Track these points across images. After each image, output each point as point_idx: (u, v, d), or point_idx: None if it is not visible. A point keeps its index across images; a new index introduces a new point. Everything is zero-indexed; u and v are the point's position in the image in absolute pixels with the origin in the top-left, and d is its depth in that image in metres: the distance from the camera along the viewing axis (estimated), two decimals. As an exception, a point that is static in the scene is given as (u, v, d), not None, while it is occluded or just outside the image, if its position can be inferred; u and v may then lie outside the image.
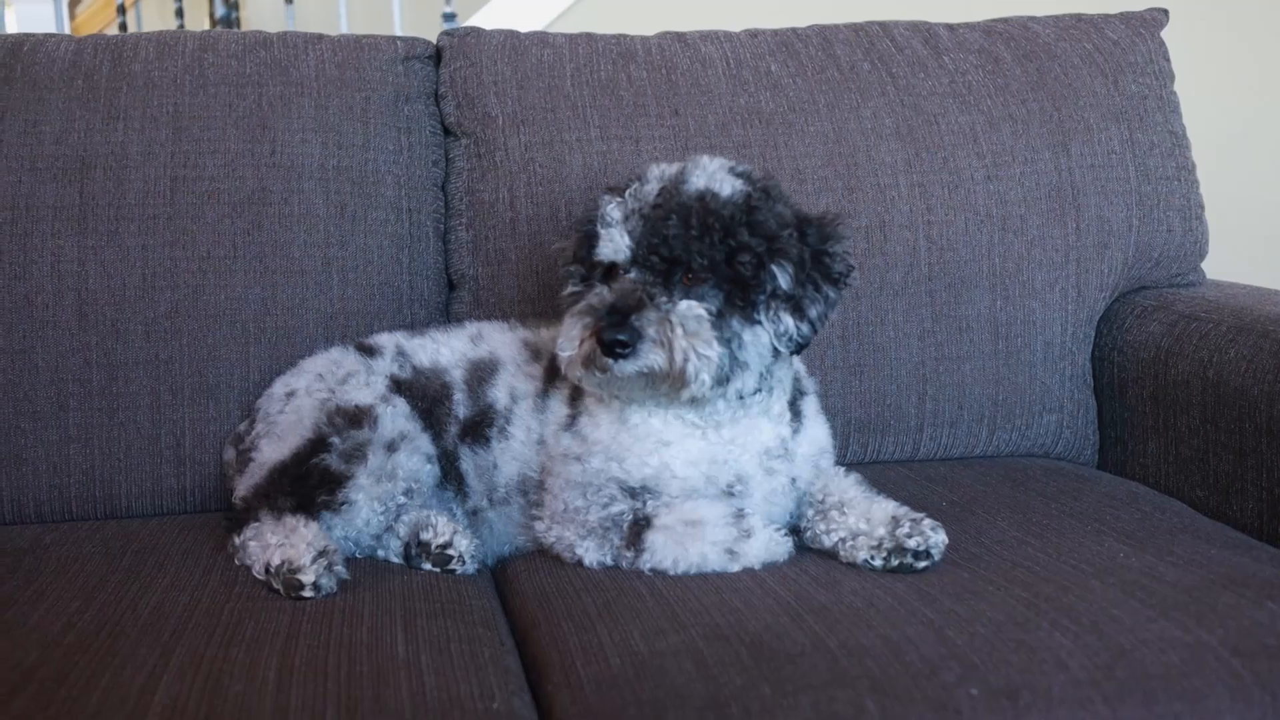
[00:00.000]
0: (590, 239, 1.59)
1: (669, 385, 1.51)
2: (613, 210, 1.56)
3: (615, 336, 1.47)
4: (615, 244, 1.54)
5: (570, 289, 1.61)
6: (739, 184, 1.58)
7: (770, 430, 1.63)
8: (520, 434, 1.72)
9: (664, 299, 1.50)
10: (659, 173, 1.59)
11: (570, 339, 1.53)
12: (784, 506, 1.66)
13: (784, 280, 1.54)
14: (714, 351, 1.50)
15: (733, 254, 1.52)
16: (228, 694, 1.25)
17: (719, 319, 1.51)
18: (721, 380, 1.51)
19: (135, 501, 1.91)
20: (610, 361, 1.49)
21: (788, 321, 1.55)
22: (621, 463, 1.61)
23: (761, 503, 1.63)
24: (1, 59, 1.98)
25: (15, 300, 1.87)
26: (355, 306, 1.98)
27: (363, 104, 2.04)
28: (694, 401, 1.55)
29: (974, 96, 2.12)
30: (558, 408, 1.70)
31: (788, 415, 1.66)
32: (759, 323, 1.54)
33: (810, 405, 1.71)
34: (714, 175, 1.58)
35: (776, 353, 1.58)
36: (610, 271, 1.57)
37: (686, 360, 1.48)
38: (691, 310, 1.50)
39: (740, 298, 1.53)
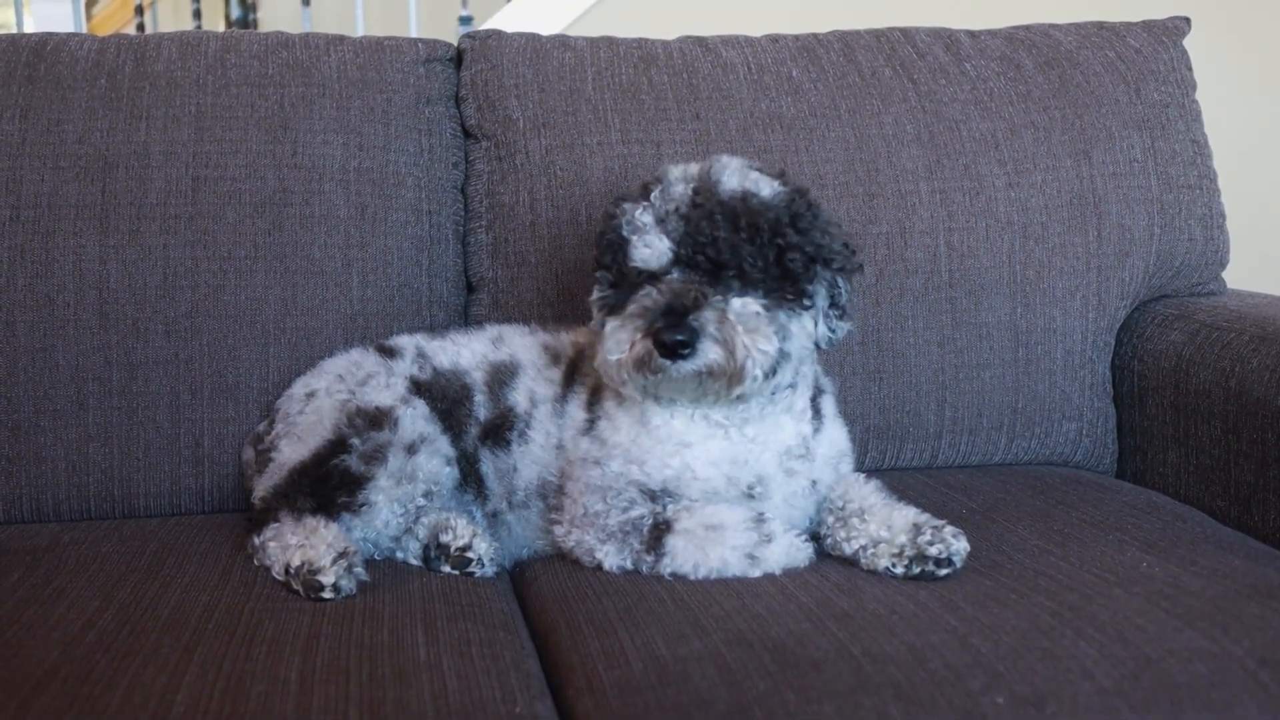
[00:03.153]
0: (615, 246, 1.56)
1: (723, 383, 1.51)
2: (642, 216, 1.54)
3: (675, 337, 1.46)
4: (654, 249, 1.52)
5: (599, 293, 1.60)
6: (775, 184, 1.58)
7: (792, 428, 1.63)
8: (539, 438, 1.72)
9: (718, 297, 1.50)
10: (682, 173, 1.58)
11: (619, 342, 1.51)
12: (804, 510, 1.65)
13: (827, 276, 1.56)
14: (772, 347, 1.50)
15: (781, 253, 1.52)
16: (250, 694, 1.25)
17: (769, 313, 1.51)
18: (770, 374, 1.51)
19: (154, 501, 1.92)
20: (667, 363, 1.47)
21: (832, 318, 1.58)
22: (642, 465, 1.61)
23: (782, 505, 1.62)
24: (25, 58, 1.98)
25: (37, 298, 1.88)
26: (375, 308, 1.98)
27: (384, 105, 2.04)
28: (740, 398, 1.54)
29: (995, 103, 2.12)
30: (575, 412, 1.69)
31: (809, 413, 1.66)
32: (802, 316, 1.55)
33: (829, 405, 1.71)
34: (747, 175, 1.57)
35: (815, 346, 1.60)
36: (646, 276, 1.54)
37: (747, 357, 1.48)
38: (748, 307, 1.49)
39: (790, 292, 1.53)
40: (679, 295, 1.49)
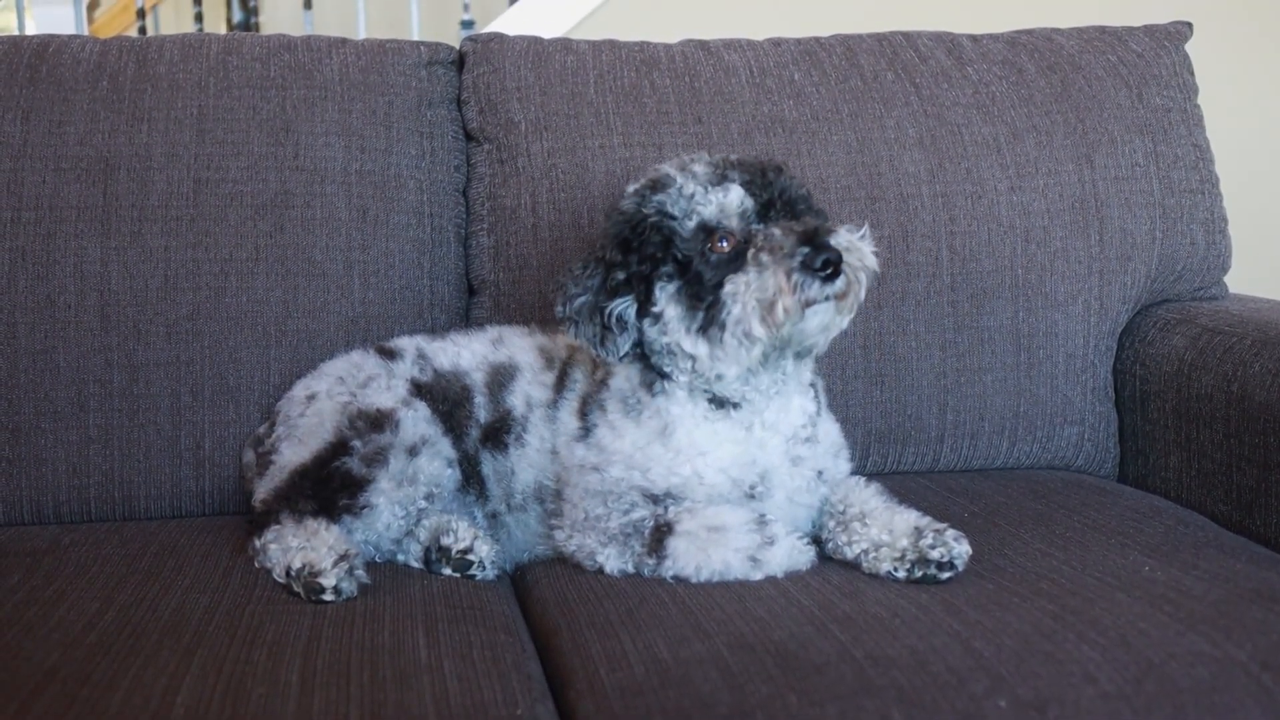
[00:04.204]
0: (664, 232, 1.53)
1: (844, 307, 1.51)
2: (689, 186, 1.54)
3: (826, 256, 1.45)
4: (730, 197, 1.51)
5: (671, 288, 1.53)
6: None
7: (799, 405, 1.63)
8: (535, 442, 1.71)
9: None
10: (682, 159, 1.60)
11: (778, 282, 1.46)
12: (808, 507, 1.64)
13: None
14: (876, 262, 1.52)
15: (808, 193, 1.59)
16: (250, 696, 1.24)
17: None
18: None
19: (154, 503, 1.91)
20: (827, 288, 1.46)
21: None
22: (645, 472, 1.60)
23: (785, 504, 1.62)
24: (26, 60, 1.99)
25: (38, 300, 1.88)
26: (376, 310, 1.98)
27: (385, 108, 2.04)
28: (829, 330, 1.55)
29: (998, 107, 2.12)
30: (567, 419, 1.68)
31: (811, 391, 1.66)
32: None
33: (822, 393, 1.72)
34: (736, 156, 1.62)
35: None
36: (706, 231, 1.52)
37: (864, 275, 1.50)
38: (851, 228, 1.52)
39: None
40: (804, 224, 1.49)
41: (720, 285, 1.51)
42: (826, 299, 1.47)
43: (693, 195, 1.53)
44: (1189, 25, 2.27)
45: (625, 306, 1.56)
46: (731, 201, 1.52)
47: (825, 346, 1.59)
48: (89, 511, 1.90)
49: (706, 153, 1.62)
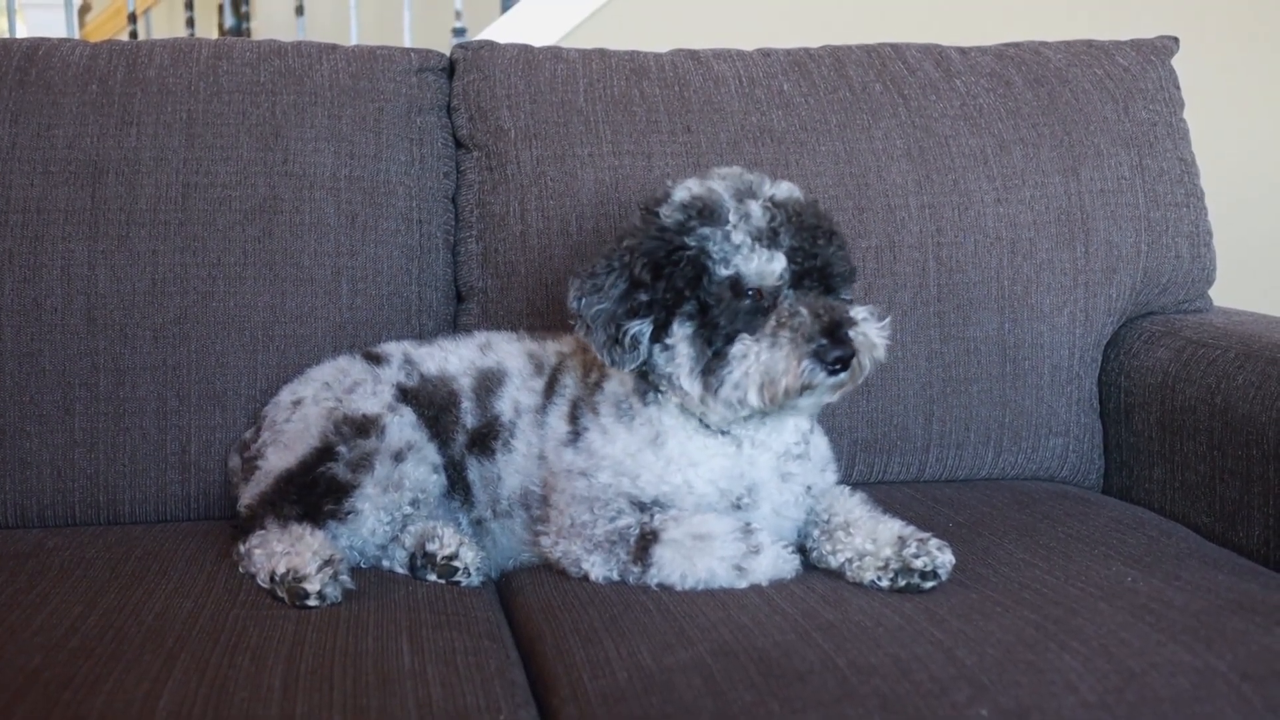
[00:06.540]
0: (696, 270, 1.52)
1: (842, 390, 1.54)
2: (736, 236, 1.51)
3: (844, 354, 1.48)
4: (774, 266, 1.50)
5: (689, 327, 1.52)
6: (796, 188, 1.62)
7: (793, 426, 1.64)
8: (523, 448, 1.71)
9: (853, 310, 1.53)
10: (732, 188, 1.56)
11: (780, 366, 1.48)
12: (795, 520, 1.65)
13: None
14: (885, 350, 1.54)
15: (847, 257, 1.59)
16: (233, 701, 1.24)
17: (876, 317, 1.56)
18: None
19: (139, 507, 1.91)
20: (829, 379, 1.49)
21: None
22: (635, 479, 1.60)
23: (770, 516, 1.62)
24: (16, 63, 1.98)
25: (24, 303, 1.87)
26: (364, 316, 1.98)
27: (375, 114, 2.04)
28: (819, 405, 1.58)
29: (985, 119, 2.13)
30: (557, 424, 1.69)
31: None
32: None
33: None
34: (779, 184, 1.59)
35: None
36: (736, 287, 1.51)
37: (872, 361, 1.53)
38: (867, 314, 1.53)
39: (850, 291, 1.61)
40: (831, 312, 1.49)
41: (732, 340, 1.51)
42: (834, 383, 1.50)
43: (739, 247, 1.51)
44: (1175, 40, 2.29)
45: (642, 329, 1.55)
46: (773, 270, 1.51)
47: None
48: (73, 515, 1.89)
49: (769, 180, 1.58)
